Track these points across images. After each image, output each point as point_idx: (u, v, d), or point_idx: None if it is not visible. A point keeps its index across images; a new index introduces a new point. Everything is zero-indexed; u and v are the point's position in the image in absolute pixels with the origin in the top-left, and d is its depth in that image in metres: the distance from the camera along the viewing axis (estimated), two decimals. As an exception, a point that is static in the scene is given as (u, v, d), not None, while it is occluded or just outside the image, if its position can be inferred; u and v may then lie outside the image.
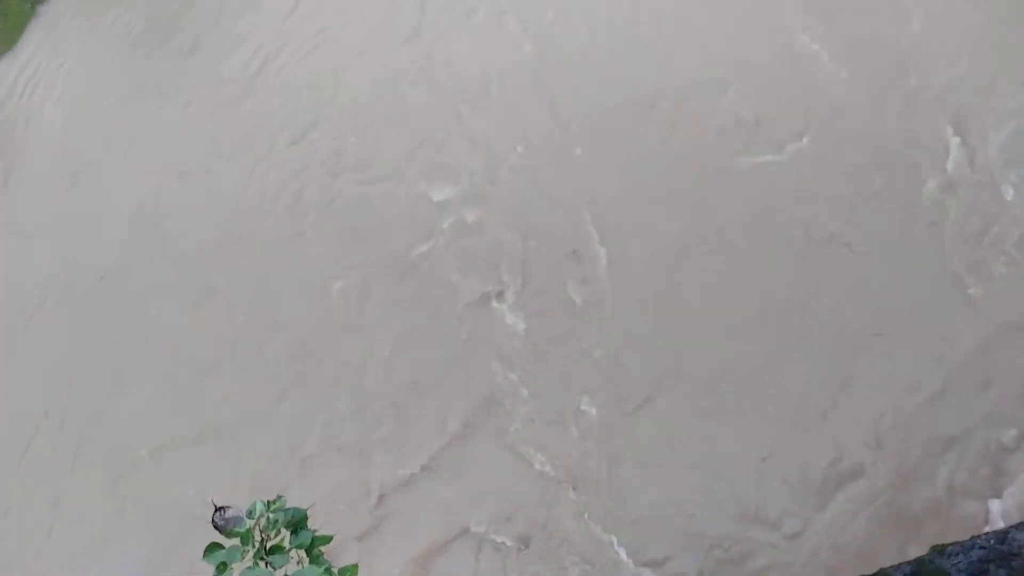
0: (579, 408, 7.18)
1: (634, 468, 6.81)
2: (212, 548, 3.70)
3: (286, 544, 3.65)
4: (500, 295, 7.84)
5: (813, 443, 5.94)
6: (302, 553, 3.71)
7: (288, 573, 3.70)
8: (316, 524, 3.97)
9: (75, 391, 8.30)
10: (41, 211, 9.96)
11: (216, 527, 3.70)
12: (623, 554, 6.43)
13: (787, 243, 7.53)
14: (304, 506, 3.91)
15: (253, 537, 3.68)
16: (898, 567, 2.32)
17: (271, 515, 3.75)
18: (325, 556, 3.87)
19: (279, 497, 3.92)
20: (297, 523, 3.79)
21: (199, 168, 9.60)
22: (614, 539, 6.54)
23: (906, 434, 5.74)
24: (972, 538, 2.33)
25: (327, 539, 3.91)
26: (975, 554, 2.24)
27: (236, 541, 3.67)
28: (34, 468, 7.97)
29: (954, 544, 2.30)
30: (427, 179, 8.79)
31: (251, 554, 3.62)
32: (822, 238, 7.49)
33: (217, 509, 3.71)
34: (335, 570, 3.77)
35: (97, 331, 8.61)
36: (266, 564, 3.62)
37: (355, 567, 3.87)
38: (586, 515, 6.75)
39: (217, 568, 3.60)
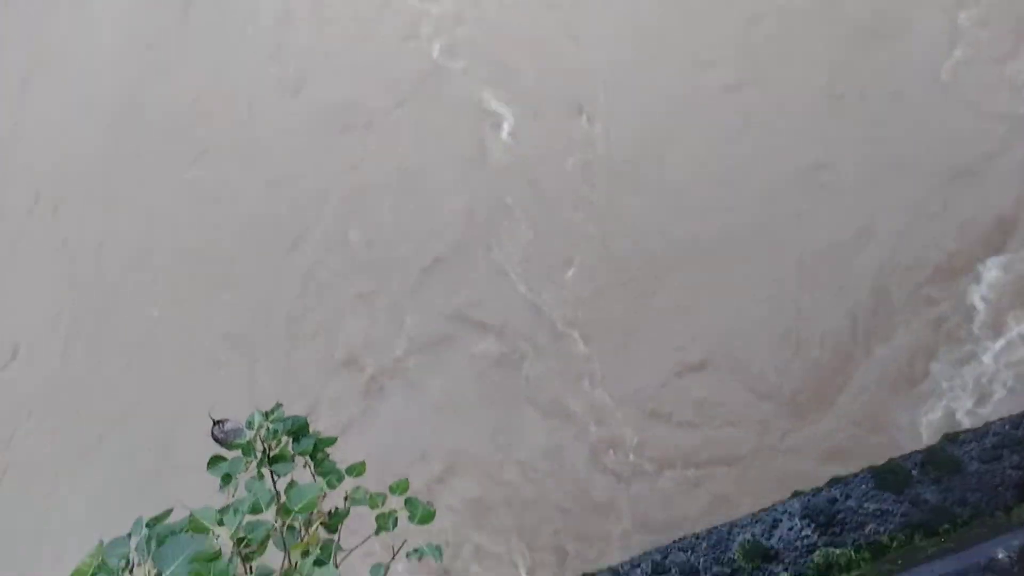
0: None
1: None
2: (215, 461, 3.66)
3: (289, 452, 3.64)
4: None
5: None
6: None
7: (294, 480, 3.71)
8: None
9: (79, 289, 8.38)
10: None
11: (216, 440, 3.67)
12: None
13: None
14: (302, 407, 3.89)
15: (254, 448, 3.65)
16: (908, 456, 2.32)
17: (271, 425, 3.72)
18: (331, 457, 3.88)
19: (277, 406, 3.87)
20: (298, 430, 3.77)
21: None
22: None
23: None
24: (986, 424, 2.33)
25: (331, 441, 3.89)
26: (988, 440, 2.25)
27: (238, 453, 3.65)
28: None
29: (967, 431, 2.30)
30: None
31: (254, 465, 3.62)
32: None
33: (216, 423, 3.67)
34: (342, 470, 3.78)
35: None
36: (271, 473, 3.62)
37: (362, 464, 3.88)
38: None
39: (222, 480, 3.59)
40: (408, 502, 3.65)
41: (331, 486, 3.71)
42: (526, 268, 7.68)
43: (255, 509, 2.63)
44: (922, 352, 5.76)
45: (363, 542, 3.73)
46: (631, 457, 7.14)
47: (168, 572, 2.34)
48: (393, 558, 3.50)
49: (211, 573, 2.28)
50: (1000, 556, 1.74)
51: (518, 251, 7.59)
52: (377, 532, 3.53)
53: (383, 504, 3.68)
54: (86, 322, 8.85)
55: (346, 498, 3.79)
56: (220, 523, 2.53)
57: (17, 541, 7.74)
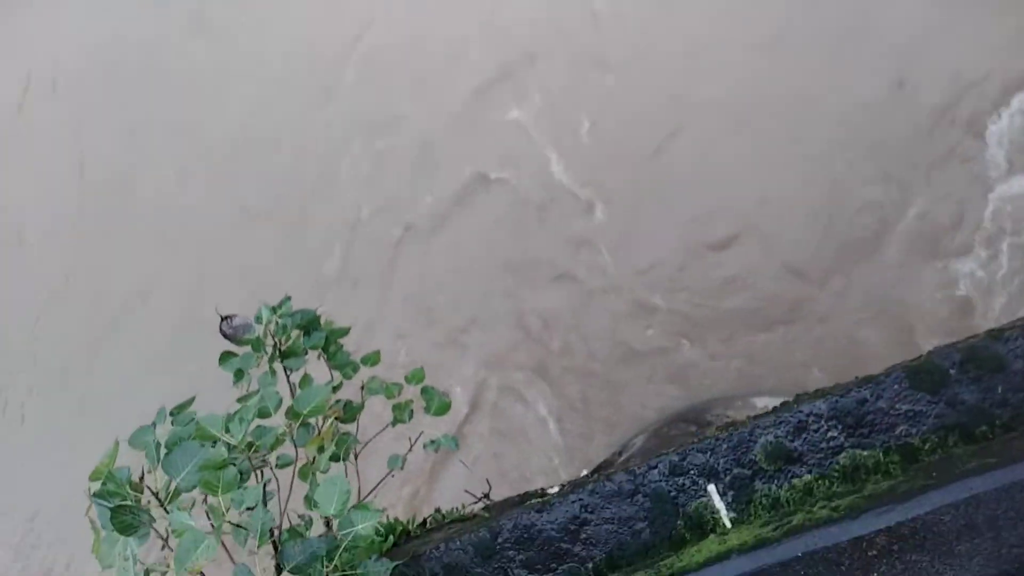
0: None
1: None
2: (226, 357, 3.62)
3: (300, 347, 3.58)
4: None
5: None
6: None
7: (308, 373, 3.67)
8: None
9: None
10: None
11: (225, 336, 3.59)
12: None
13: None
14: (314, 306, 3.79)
15: (264, 343, 3.59)
16: (946, 354, 2.16)
17: (279, 320, 3.63)
18: (344, 348, 3.82)
19: (285, 299, 3.77)
20: (308, 324, 3.69)
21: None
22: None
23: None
24: (1031, 319, 2.16)
25: (344, 331, 3.82)
26: (1037, 337, 2.08)
27: (248, 349, 3.59)
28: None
29: (1013, 327, 2.13)
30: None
31: (265, 360, 3.56)
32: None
33: (224, 318, 3.58)
34: (357, 360, 3.73)
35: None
36: (284, 369, 3.57)
37: (376, 354, 3.83)
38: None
39: (234, 375, 3.55)
40: (424, 391, 3.59)
41: (346, 377, 3.65)
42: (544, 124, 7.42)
43: (263, 414, 2.56)
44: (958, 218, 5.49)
45: (379, 433, 3.71)
46: (649, 331, 7.10)
47: (178, 479, 2.28)
48: (410, 449, 3.47)
49: (220, 481, 2.22)
50: (1046, 474, 1.61)
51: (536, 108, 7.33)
52: (393, 423, 3.49)
53: (399, 394, 3.63)
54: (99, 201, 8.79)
55: (362, 387, 3.74)
56: (227, 430, 2.45)
57: (56, 425, 8.04)
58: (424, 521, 3.44)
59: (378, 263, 7.63)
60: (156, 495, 2.53)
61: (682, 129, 7.21)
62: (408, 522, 3.46)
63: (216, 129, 8.71)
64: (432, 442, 3.48)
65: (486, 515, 2.85)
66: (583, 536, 2.47)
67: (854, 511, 1.73)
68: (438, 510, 3.56)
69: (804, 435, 2.26)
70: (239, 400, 3.37)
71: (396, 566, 2.58)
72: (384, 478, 3.57)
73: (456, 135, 7.92)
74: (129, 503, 2.42)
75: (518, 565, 2.53)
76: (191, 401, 3.74)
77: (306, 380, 3.67)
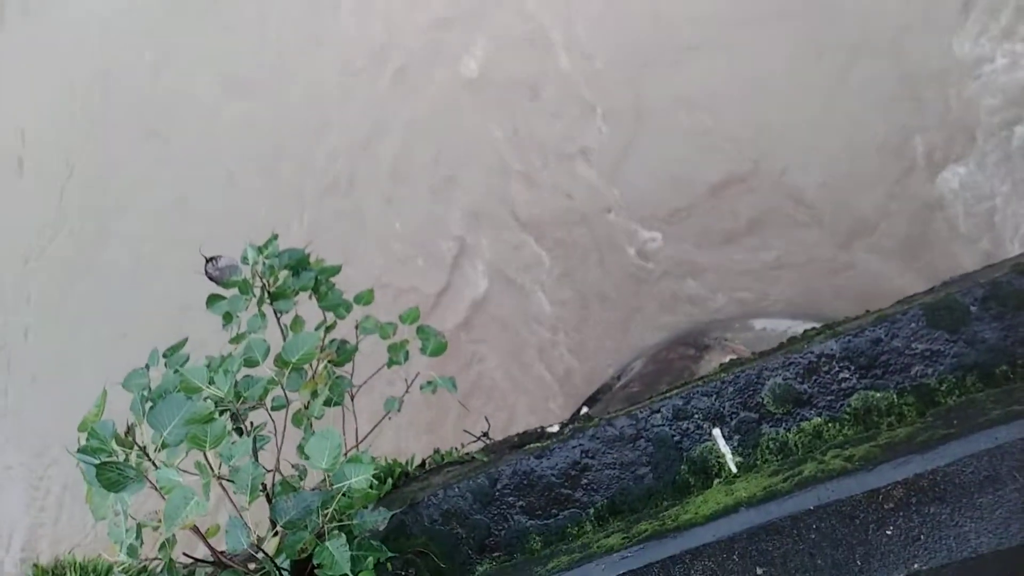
0: None
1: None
2: (213, 300, 3.51)
3: (289, 289, 3.46)
4: None
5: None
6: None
7: (299, 316, 3.56)
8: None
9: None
10: None
11: (211, 278, 3.47)
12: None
13: None
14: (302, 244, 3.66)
15: (252, 285, 3.46)
16: (968, 290, 2.04)
17: (266, 260, 3.50)
18: (336, 287, 3.70)
19: (272, 238, 3.63)
20: (297, 264, 3.56)
21: None
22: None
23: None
24: (1063, 253, 2.03)
25: (334, 269, 3.70)
26: (1064, 273, 1.95)
27: (235, 291, 3.47)
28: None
29: (1040, 262, 2.00)
30: None
31: (254, 303, 3.45)
32: None
33: (208, 260, 3.44)
34: (350, 300, 3.62)
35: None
36: (275, 312, 3.46)
37: (370, 292, 3.72)
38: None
39: (224, 318, 3.45)
40: (420, 330, 3.49)
41: (339, 317, 3.56)
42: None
43: (250, 363, 2.45)
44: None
45: (373, 375, 3.63)
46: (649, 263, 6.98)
47: (165, 433, 2.19)
48: (407, 391, 3.39)
49: (207, 436, 2.13)
50: (1078, 423, 1.50)
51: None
52: (389, 365, 3.40)
53: (394, 334, 3.52)
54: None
55: (356, 327, 3.64)
56: (212, 382, 2.36)
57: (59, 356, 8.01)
58: (423, 462, 3.39)
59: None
60: (143, 449, 2.45)
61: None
62: (407, 463, 3.41)
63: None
64: (429, 383, 3.41)
65: (484, 459, 2.79)
66: (584, 482, 2.40)
67: (869, 462, 1.64)
68: (437, 451, 3.51)
69: (814, 377, 2.16)
70: (231, 340, 3.27)
71: (393, 515, 2.52)
72: (380, 420, 3.51)
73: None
74: (114, 460, 2.34)
75: (518, 511, 2.47)
76: (183, 343, 3.64)
77: (297, 323, 3.57)
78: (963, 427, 1.59)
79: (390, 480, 3.25)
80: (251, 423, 2.71)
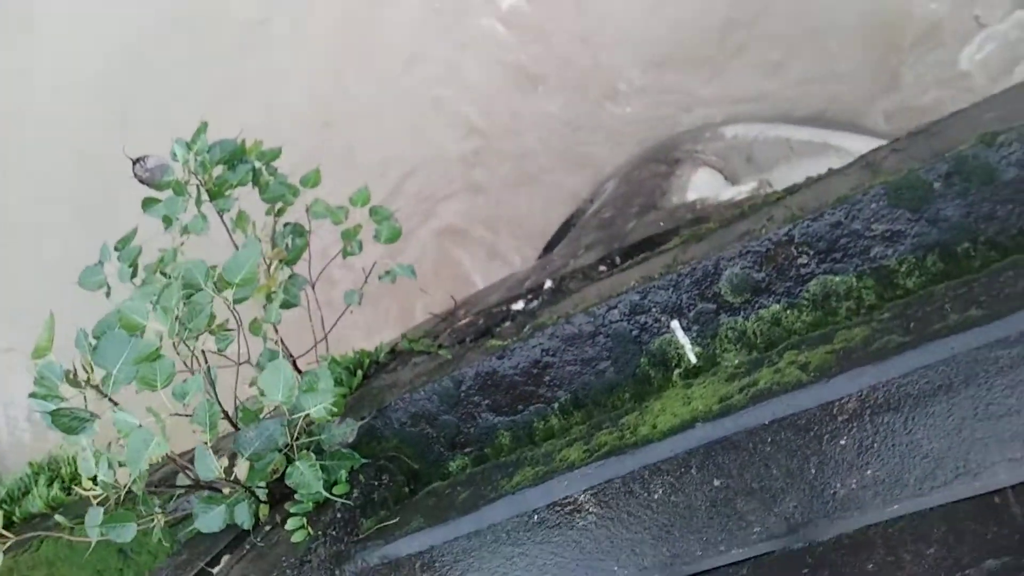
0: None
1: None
2: (149, 202, 3.33)
3: (225, 187, 3.26)
4: None
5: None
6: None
7: (243, 211, 3.39)
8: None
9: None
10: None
11: (141, 181, 3.25)
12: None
13: None
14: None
15: (186, 185, 3.27)
16: (931, 167, 1.91)
17: (197, 157, 3.28)
18: (279, 171, 3.51)
19: (200, 128, 3.38)
20: (232, 156, 3.34)
21: None
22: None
23: None
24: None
25: (275, 153, 3.50)
26: (1033, 143, 1.82)
27: (170, 192, 3.28)
28: None
29: (1008, 131, 1.86)
30: None
31: (192, 203, 3.27)
32: None
33: (135, 161, 3.22)
34: (296, 185, 3.45)
35: None
36: (216, 212, 3.29)
37: (316, 173, 3.54)
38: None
39: (163, 221, 3.29)
40: (373, 211, 3.38)
41: (287, 204, 3.43)
42: None
43: (191, 287, 2.35)
44: None
45: (327, 265, 3.52)
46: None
47: (114, 372, 2.13)
48: (365, 282, 3.31)
49: (157, 375, 2.08)
50: (1036, 329, 1.46)
51: None
52: (344, 255, 3.30)
53: (346, 218, 3.42)
54: None
55: (307, 210, 3.53)
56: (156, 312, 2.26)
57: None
58: (393, 348, 3.38)
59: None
60: (98, 388, 2.40)
61: None
62: (377, 351, 3.40)
63: None
64: (387, 273, 3.32)
65: (448, 355, 2.77)
66: (547, 379, 2.39)
67: (825, 373, 1.61)
68: (404, 335, 3.49)
69: (772, 264, 2.09)
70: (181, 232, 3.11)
71: (362, 424, 2.53)
72: (341, 315, 3.46)
73: None
74: (66, 406, 2.29)
75: (485, 409, 2.48)
76: (133, 234, 3.50)
77: (242, 218, 3.41)
78: (919, 335, 1.55)
79: (360, 372, 3.25)
80: (203, 352, 2.63)
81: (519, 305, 3.29)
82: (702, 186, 6.58)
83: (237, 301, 2.70)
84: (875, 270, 2.00)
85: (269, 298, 3.06)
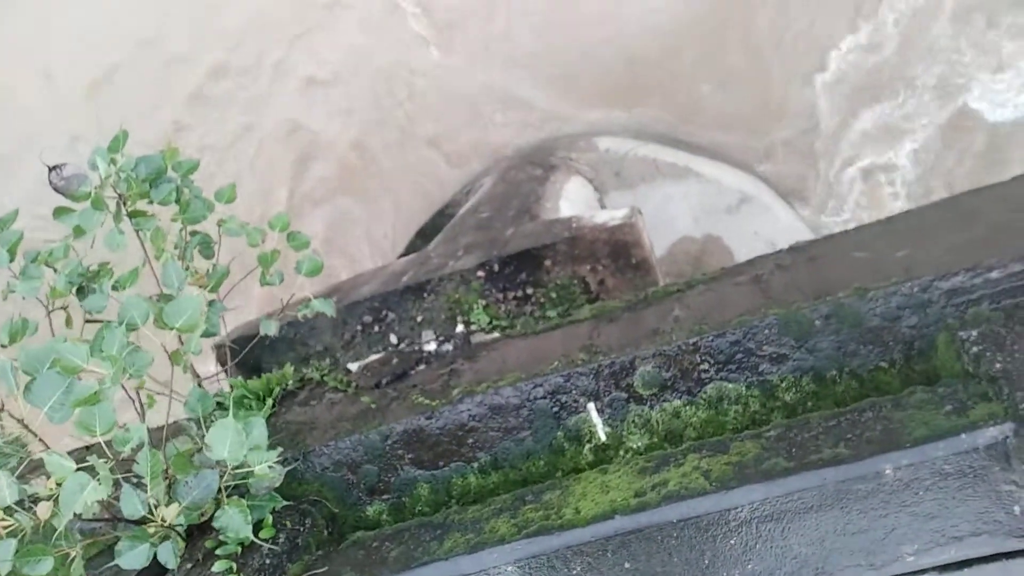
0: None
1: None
2: (62, 212, 3.24)
3: (146, 208, 3.23)
4: None
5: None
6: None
7: (160, 228, 3.36)
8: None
9: None
10: None
11: (56, 190, 3.15)
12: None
13: None
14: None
15: (102, 199, 3.21)
16: (816, 307, 2.34)
17: (120, 172, 3.23)
18: (196, 184, 3.50)
19: (120, 136, 3.32)
20: (155, 177, 3.31)
21: None
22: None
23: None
24: (895, 284, 2.33)
25: (192, 166, 3.48)
26: (894, 301, 2.28)
27: (87, 204, 3.21)
28: None
29: (878, 288, 2.30)
30: None
31: (111, 217, 3.21)
32: None
33: (51, 168, 3.12)
34: (210, 200, 3.46)
35: None
36: (134, 229, 3.25)
37: (232, 188, 3.57)
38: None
39: (74, 231, 3.21)
40: (290, 237, 3.47)
41: (201, 219, 3.46)
42: None
43: (131, 328, 2.39)
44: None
45: (235, 285, 3.56)
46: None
47: (45, 411, 2.16)
48: (282, 311, 3.40)
49: (96, 420, 2.13)
50: (887, 471, 1.89)
51: None
52: (262, 282, 3.38)
53: (263, 241, 3.48)
54: None
55: (219, 224, 3.57)
56: (92, 358, 2.30)
57: None
58: (302, 377, 3.49)
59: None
60: (23, 423, 2.38)
61: None
62: (284, 376, 3.50)
63: None
64: (306, 305, 3.41)
65: (370, 403, 2.94)
66: (470, 441, 2.64)
67: (724, 484, 1.97)
68: (315, 366, 3.60)
69: (678, 366, 2.45)
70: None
71: (288, 470, 2.67)
72: (255, 340, 3.52)
73: None
74: (-9, 441, 2.28)
75: (407, 462, 2.70)
76: (14, 216, 3.38)
77: (158, 235, 3.38)
78: (800, 462, 1.94)
79: (269, 400, 3.35)
80: (138, 393, 2.66)
81: (431, 346, 3.51)
82: (573, 196, 6.99)
83: (205, 335, 2.74)
84: (761, 383, 2.41)
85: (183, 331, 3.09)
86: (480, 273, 3.64)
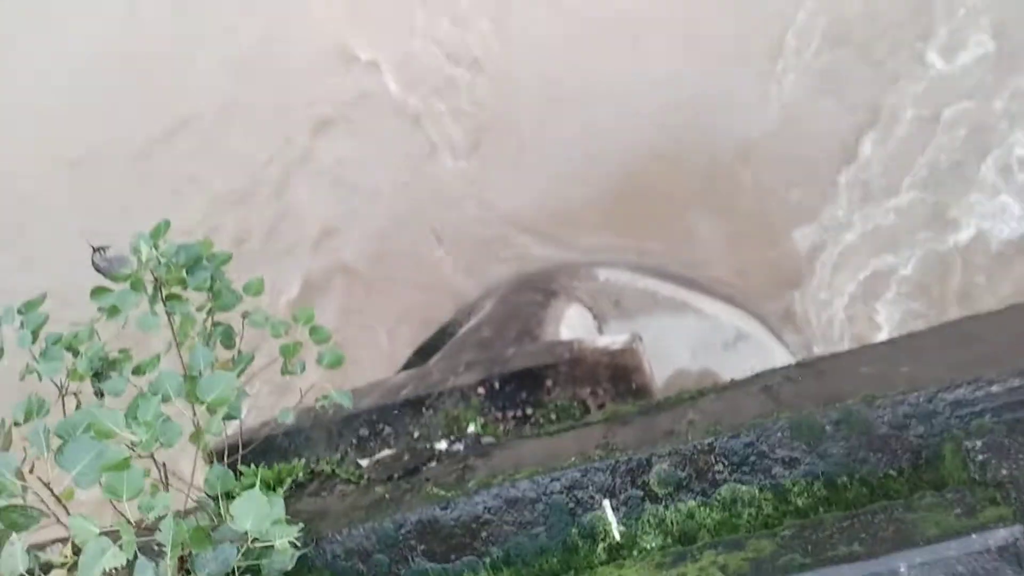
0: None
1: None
2: (100, 292, 3.37)
3: (182, 293, 3.38)
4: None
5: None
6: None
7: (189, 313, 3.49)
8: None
9: None
10: None
11: (98, 270, 3.30)
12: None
13: None
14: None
15: (143, 282, 3.35)
16: (826, 413, 2.45)
17: (161, 257, 3.39)
18: (226, 275, 3.65)
19: (163, 225, 3.50)
20: (194, 262, 3.47)
21: None
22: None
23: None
24: (902, 393, 2.47)
25: (226, 258, 3.64)
26: (901, 410, 2.39)
27: (125, 285, 3.35)
28: None
29: (885, 396, 2.43)
30: None
31: (146, 301, 3.35)
32: None
33: (96, 249, 3.28)
34: (239, 291, 3.59)
35: None
36: (166, 312, 3.38)
37: (260, 282, 3.70)
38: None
39: (108, 311, 3.33)
40: (313, 331, 3.57)
41: (226, 309, 3.57)
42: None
43: (164, 399, 2.47)
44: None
45: (263, 368, 3.65)
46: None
47: (74, 474, 2.19)
48: (300, 401, 3.47)
49: (125, 484, 2.17)
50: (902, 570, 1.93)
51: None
52: (283, 372, 3.46)
53: (286, 333, 3.57)
54: None
55: (244, 316, 3.66)
56: (127, 426, 2.36)
57: None
58: (312, 469, 3.52)
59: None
60: (49, 487, 2.42)
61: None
62: (294, 468, 3.52)
63: None
64: (325, 397, 3.49)
65: (384, 493, 2.97)
66: (483, 534, 2.66)
67: (741, 581, 2.01)
68: (326, 460, 3.63)
69: (693, 467, 2.52)
70: (138, 399, 3.09)
71: (301, 555, 2.67)
72: (251, 446, 3.58)
73: None
74: (17, 502, 2.31)
75: (419, 554, 2.70)
76: (41, 299, 3.49)
77: (187, 321, 3.50)
78: (816, 558, 1.99)
79: (279, 489, 3.36)
80: (164, 464, 2.71)
81: (442, 444, 3.55)
82: (573, 322, 7.14)
83: (226, 418, 2.82)
84: (774, 486, 2.48)
85: (210, 410, 3.16)
86: (481, 390, 3.73)
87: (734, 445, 2.50)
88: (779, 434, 2.47)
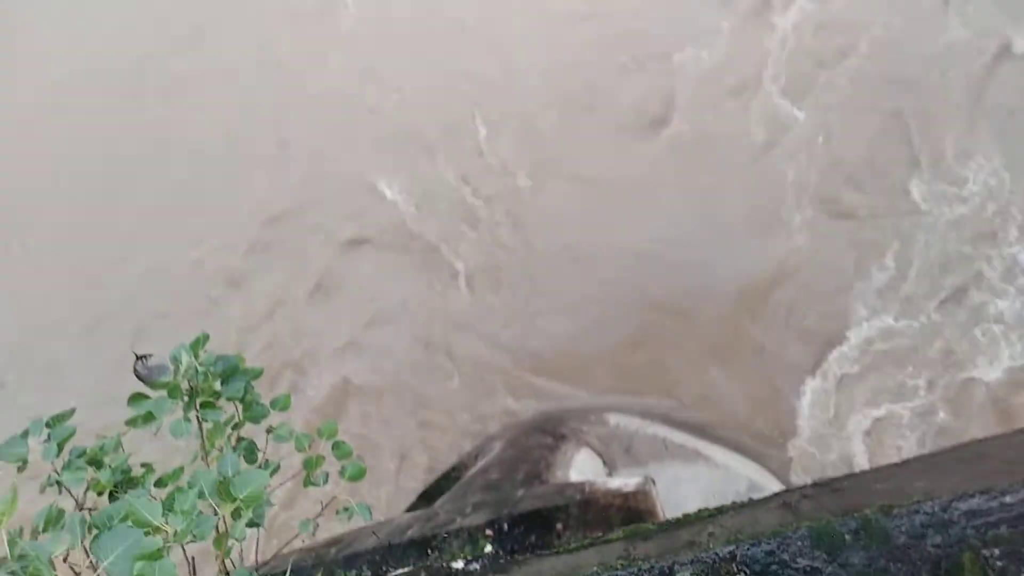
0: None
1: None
2: (137, 399, 3.50)
3: (216, 400, 3.51)
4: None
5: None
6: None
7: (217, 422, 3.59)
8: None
9: None
10: None
11: (139, 377, 3.46)
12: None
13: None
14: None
15: (181, 389, 3.49)
16: (845, 522, 2.51)
17: (200, 366, 3.54)
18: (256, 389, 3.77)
19: (202, 337, 3.67)
20: (229, 373, 3.62)
21: None
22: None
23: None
24: (917, 503, 2.54)
25: (257, 372, 3.77)
26: (918, 519, 2.45)
27: (163, 392, 3.48)
28: None
29: (901, 507, 2.50)
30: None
31: (181, 408, 3.47)
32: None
33: (139, 358, 3.44)
34: (266, 405, 3.70)
35: None
36: (198, 418, 3.49)
37: (287, 397, 3.81)
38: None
39: (143, 417, 3.44)
40: (336, 446, 3.64)
41: (255, 421, 3.64)
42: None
43: (199, 496, 2.54)
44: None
45: (283, 482, 3.70)
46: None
47: (106, 564, 2.23)
48: (321, 513, 3.51)
49: (156, 573, 2.20)
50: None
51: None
52: (306, 484, 3.51)
53: (309, 447, 3.65)
54: None
55: (269, 431, 3.74)
56: (164, 517, 2.43)
57: None
58: (324, 584, 3.49)
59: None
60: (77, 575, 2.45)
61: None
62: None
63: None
64: (345, 509, 3.52)
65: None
66: (506, 644, 2.64)
67: None
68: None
69: (715, 574, 2.54)
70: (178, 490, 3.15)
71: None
72: (292, 540, 3.58)
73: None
74: (51, 588, 2.33)
75: (438, 665, 2.66)
76: (70, 413, 3.58)
77: (218, 429, 3.60)
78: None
79: (291, 601, 3.32)
80: (193, 559, 2.74)
81: (459, 564, 3.53)
82: (583, 466, 7.07)
83: (250, 524, 2.86)
84: (796, 596, 2.49)
85: (235, 514, 3.20)
86: (489, 532, 3.69)
87: (755, 553, 2.53)
88: (799, 543, 2.52)
